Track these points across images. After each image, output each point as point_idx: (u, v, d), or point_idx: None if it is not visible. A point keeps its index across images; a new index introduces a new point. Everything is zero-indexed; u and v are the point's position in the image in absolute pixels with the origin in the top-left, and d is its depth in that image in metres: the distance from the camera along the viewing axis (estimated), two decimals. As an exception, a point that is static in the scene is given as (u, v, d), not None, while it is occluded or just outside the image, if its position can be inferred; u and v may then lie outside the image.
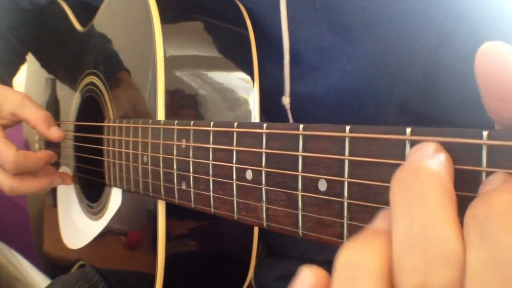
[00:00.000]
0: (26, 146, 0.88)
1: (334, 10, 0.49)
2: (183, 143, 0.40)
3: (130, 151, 0.49)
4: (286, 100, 0.54)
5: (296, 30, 0.51)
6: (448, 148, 0.20)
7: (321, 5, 0.49)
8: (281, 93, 0.54)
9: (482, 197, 0.17)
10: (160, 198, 0.45)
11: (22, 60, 0.79)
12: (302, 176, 0.28)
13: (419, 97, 0.53)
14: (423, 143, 0.21)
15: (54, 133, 0.62)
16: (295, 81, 0.54)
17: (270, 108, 0.55)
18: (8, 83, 0.73)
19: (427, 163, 0.18)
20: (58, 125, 0.75)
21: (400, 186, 0.18)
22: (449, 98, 0.52)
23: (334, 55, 0.51)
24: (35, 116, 0.61)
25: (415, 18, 0.47)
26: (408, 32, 0.48)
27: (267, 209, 0.31)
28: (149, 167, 0.45)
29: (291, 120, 0.56)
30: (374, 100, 0.52)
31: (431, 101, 0.53)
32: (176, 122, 0.41)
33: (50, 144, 0.79)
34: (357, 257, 0.18)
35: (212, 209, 0.37)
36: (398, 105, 0.53)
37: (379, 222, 0.20)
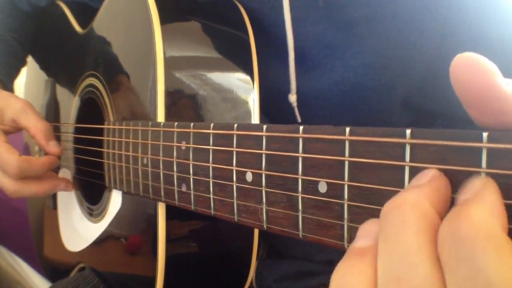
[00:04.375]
0: (26, 149, 0.88)
1: (337, 6, 0.49)
2: (183, 144, 0.40)
3: (130, 153, 0.49)
4: (293, 98, 0.54)
5: (300, 28, 0.51)
6: (447, 152, 0.20)
7: (324, 2, 0.49)
8: (287, 91, 0.54)
9: (454, 212, 0.17)
10: (160, 200, 0.45)
11: (23, 63, 0.80)
12: (302, 178, 0.28)
13: (422, 91, 0.53)
14: (422, 172, 0.21)
15: (52, 147, 0.63)
16: (300, 78, 0.54)
17: (276, 106, 0.55)
18: (9, 86, 0.73)
19: (411, 195, 0.19)
20: (58, 127, 0.75)
21: (385, 217, 0.19)
22: (452, 93, 0.51)
23: (338, 52, 0.51)
24: (35, 126, 0.62)
25: (418, 13, 0.47)
26: (411, 26, 0.48)
27: (267, 211, 0.31)
28: (149, 169, 0.45)
29: (298, 118, 0.56)
30: (378, 95, 0.52)
31: (434, 96, 0.53)
32: (176, 124, 0.41)
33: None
34: (346, 282, 0.19)
35: (212, 211, 0.37)
36: (402, 100, 0.53)
37: (362, 240, 0.20)
